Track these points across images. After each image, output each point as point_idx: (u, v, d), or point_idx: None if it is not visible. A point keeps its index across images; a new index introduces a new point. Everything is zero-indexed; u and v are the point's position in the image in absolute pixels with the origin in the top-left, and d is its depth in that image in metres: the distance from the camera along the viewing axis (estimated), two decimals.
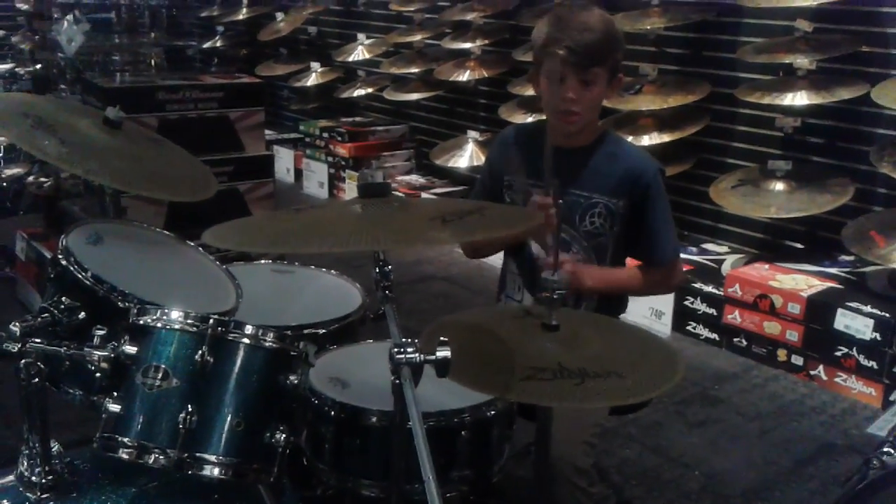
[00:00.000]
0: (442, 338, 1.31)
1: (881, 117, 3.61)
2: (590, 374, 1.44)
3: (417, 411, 1.19)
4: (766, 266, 3.81)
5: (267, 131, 4.36)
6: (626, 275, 2.15)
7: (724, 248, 4.18)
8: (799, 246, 3.99)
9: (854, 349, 3.34)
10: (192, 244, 1.95)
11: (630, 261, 2.21)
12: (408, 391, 1.24)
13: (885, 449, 1.55)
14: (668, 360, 1.56)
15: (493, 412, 1.73)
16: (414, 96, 5.54)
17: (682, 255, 3.94)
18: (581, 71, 1.96)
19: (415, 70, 5.51)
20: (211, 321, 1.46)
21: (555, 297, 1.53)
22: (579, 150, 2.10)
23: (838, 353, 3.39)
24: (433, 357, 1.29)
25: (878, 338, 3.27)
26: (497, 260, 2.31)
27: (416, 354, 1.28)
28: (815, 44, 3.65)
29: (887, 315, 3.28)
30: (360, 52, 5.93)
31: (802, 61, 3.63)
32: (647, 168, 2.09)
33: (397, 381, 1.29)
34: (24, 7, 6.17)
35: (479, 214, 1.48)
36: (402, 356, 1.28)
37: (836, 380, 3.41)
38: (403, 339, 1.31)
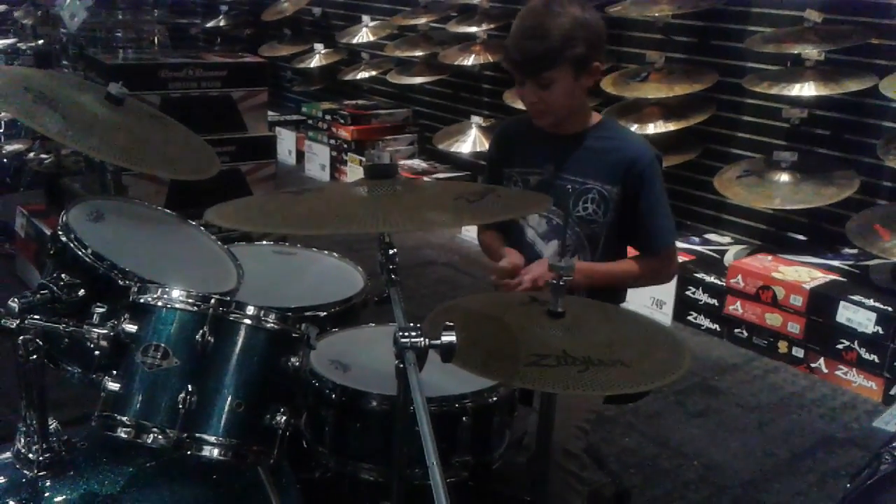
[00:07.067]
0: (447, 322, 1.29)
1: (889, 110, 3.59)
2: (594, 362, 1.43)
3: (422, 396, 1.17)
4: (769, 257, 3.79)
5: (269, 112, 4.33)
6: (616, 266, 2.11)
7: (728, 239, 4.16)
8: (802, 238, 3.98)
9: (855, 342, 3.33)
10: (194, 223, 1.93)
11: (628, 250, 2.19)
12: (412, 375, 1.22)
13: None
14: (675, 351, 1.55)
15: (494, 398, 1.72)
16: (418, 80, 5.50)
17: (685, 245, 4.00)
18: (532, 76, 2.00)
19: (419, 53, 5.47)
20: (213, 301, 1.45)
21: (561, 283, 1.51)
22: (573, 136, 2.10)
23: (840, 346, 3.38)
24: (438, 342, 1.28)
25: (880, 331, 3.26)
26: None
27: (421, 339, 1.27)
28: (825, 34, 3.61)
29: (890, 309, 3.27)
30: (364, 34, 5.89)
31: (811, 52, 3.60)
32: (642, 154, 2.06)
33: (401, 366, 1.27)
34: None
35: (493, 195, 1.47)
36: (408, 340, 1.26)
37: (837, 373, 3.40)
38: (409, 324, 1.29)
